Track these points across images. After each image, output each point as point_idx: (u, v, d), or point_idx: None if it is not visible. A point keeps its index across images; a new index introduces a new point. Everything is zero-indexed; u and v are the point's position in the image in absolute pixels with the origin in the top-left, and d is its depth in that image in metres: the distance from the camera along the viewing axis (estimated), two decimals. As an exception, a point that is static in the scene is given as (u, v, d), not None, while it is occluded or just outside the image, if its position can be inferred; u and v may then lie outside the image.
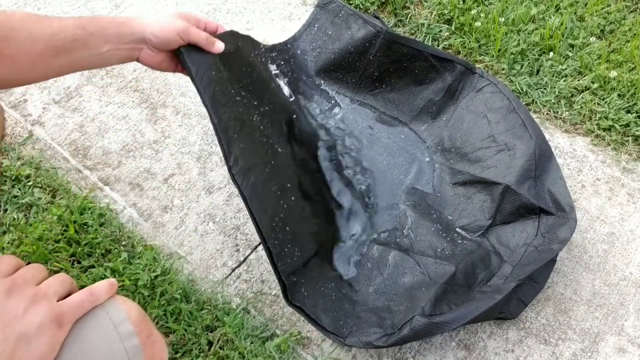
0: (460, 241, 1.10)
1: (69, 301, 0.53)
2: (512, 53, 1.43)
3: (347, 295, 1.03)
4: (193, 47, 0.88)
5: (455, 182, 1.18)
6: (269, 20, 1.57)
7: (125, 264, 1.11)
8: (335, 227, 1.13)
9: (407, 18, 1.55)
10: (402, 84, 1.27)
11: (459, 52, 1.48)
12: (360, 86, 1.29)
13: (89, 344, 0.52)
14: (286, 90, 1.24)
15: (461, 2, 1.55)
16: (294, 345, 1.04)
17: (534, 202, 1.07)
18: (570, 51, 1.44)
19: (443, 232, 1.12)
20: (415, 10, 1.57)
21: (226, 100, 0.93)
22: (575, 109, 1.35)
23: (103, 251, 1.13)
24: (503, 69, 1.42)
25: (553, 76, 1.40)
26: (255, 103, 1.03)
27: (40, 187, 1.23)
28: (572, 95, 1.37)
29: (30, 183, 1.23)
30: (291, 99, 1.23)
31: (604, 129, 1.31)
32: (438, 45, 1.50)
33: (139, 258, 1.13)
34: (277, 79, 1.22)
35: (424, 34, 1.51)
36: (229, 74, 0.96)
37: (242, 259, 1.15)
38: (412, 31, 1.53)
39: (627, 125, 1.30)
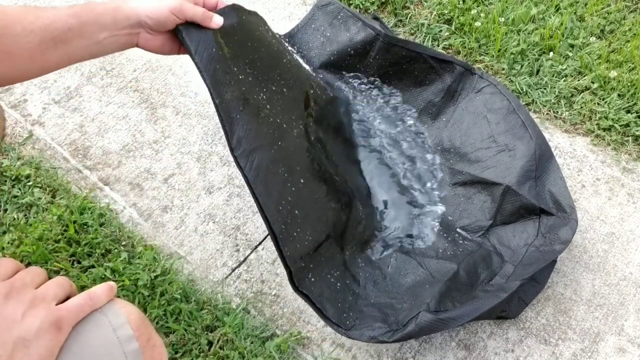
0: (461, 242, 1.11)
1: (68, 305, 0.53)
2: (512, 53, 1.43)
3: (350, 287, 1.02)
4: (192, 25, 0.84)
5: (455, 182, 1.18)
6: (269, 20, 1.56)
7: (125, 264, 1.11)
8: (350, 211, 1.09)
9: (407, 18, 1.55)
10: (402, 85, 1.27)
11: (459, 52, 1.48)
12: (358, 87, 1.29)
13: (88, 348, 0.52)
14: (307, 66, 1.19)
15: (461, 2, 1.54)
16: (294, 345, 1.04)
17: (535, 203, 1.07)
18: (570, 51, 1.43)
19: (444, 233, 1.12)
20: (415, 10, 1.57)
21: (228, 78, 0.89)
22: (575, 109, 1.34)
23: (103, 251, 1.13)
24: (503, 69, 1.42)
25: (553, 76, 1.40)
26: (263, 80, 0.98)
27: (40, 187, 1.23)
28: (572, 95, 1.37)
29: (30, 183, 1.23)
30: (313, 74, 1.18)
31: (604, 129, 1.31)
32: (438, 46, 1.49)
33: (139, 258, 1.13)
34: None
35: (424, 34, 1.51)
36: (231, 50, 0.91)
37: (242, 259, 1.15)
38: (412, 31, 1.53)
39: (627, 125, 1.30)
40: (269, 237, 1.17)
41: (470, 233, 1.12)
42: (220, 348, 1.02)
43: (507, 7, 1.52)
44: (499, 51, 1.45)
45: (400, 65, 1.25)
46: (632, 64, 1.38)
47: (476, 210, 1.13)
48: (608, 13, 1.51)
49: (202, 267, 1.14)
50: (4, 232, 1.16)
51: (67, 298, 0.55)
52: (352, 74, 1.28)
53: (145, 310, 1.05)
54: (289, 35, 1.29)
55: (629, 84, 1.34)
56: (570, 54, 1.43)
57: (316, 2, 1.32)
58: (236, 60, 0.91)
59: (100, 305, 0.55)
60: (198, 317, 1.05)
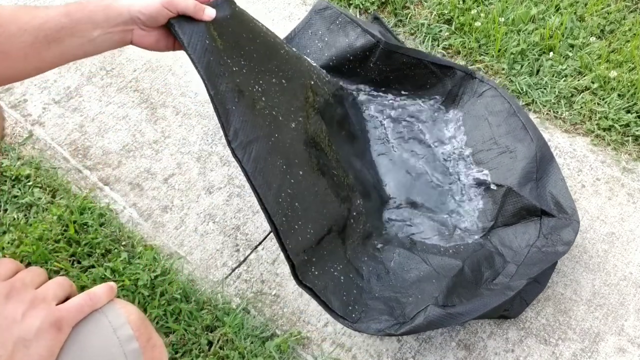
0: (462, 242, 1.11)
1: (68, 305, 0.53)
2: (512, 53, 1.43)
3: (354, 281, 1.01)
4: (184, 18, 0.84)
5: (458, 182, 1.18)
6: (269, 20, 1.56)
7: (125, 264, 1.11)
8: (351, 205, 1.09)
9: (407, 18, 1.55)
10: (402, 89, 1.27)
11: (459, 52, 1.48)
12: (362, 88, 1.29)
13: (88, 348, 0.52)
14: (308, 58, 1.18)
15: (461, 2, 1.54)
16: (294, 345, 1.04)
17: (536, 204, 1.07)
18: (570, 51, 1.43)
19: (446, 232, 1.13)
20: (415, 10, 1.57)
21: (222, 70, 0.88)
22: (575, 109, 1.34)
23: (103, 251, 1.13)
24: (503, 69, 1.42)
25: (553, 76, 1.40)
26: (260, 71, 0.97)
27: (40, 187, 1.23)
28: (572, 95, 1.37)
29: (30, 183, 1.23)
30: (313, 64, 1.17)
31: (604, 129, 1.31)
32: (438, 45, 1.49)
33: (139, 258, 1.13)
34: None
35: (424, 34, 1.51)
36: (225, 42, 0.90)
37: (242, 259, 1.15)
38: (412, 31, 1.53)
39: (627, 125, 1.30)
40: (269, 237, 1.18)
41: (472, 234, 1.12)
42: (220, 348, 1.02)
43: (507, 7, 1.52)
44: (499, 51, 1.45)
45: (401, 70, 1.25)
46: (632, 64, 1.38)
47: (478, 211, 1.14)
48: (608, 13, 1.51)
49: (202, 267, 1.14)
50: (4, 232, 1.16)
51: (67, 298, 0.55)
52: (352, 78, 1.28)
53: (145, 310, 1.05)
54: (287, 40, 1.29)
55: (629, 84, 1.34)
56: (570, 54, 1.43)
57: (313, 6, 1.32)
58: (230, 52, 0.91)
59: (100, 306, 0.55)
60: (198, 317, 1.05)
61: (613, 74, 1.35)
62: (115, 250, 1.14)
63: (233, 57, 0.92)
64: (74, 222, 1.16)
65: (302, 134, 1.03)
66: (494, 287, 0.99)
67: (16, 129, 1.35)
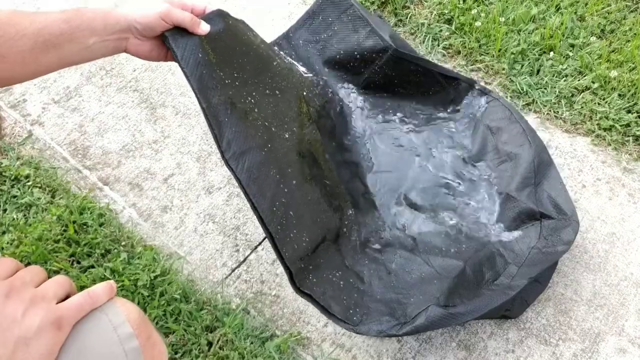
0: (464, 243, 1.11)
1: (68, 304, 0.53)
2: (512, 53, 1.43)
3: (355, 285, 1.02)
4: (178, 30, 0.85)
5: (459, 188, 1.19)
6: (269, 20, 1.56)
7: (125, 264, 1.11)
8: (343, 215, 1.10)
9: (407, 18, 1.55)
10: (405, 93, 1.27)
11: (459, 52, 1.48)
12: (364, 89, 1.28)
13: (88, 346, 0.52)
14: (300, 68, 1.19)
15: (461, 2, 1.54)
16: (294, 346, 1.04)
17: (534, 207, 1.08)
18: (570, 51, 1.43)
19: (447, 235, 1.13)
20: (415, 9, 1.57)
21: (215, 83, 0.90)
22: (575, 109, 1.34)
23: (102, 251, 1.13)
24: (503, 69, 1.42)
25: (553, 76, 1.40)
26: (253, 84, 0.99)
27: (40, 187, 1.23)
28: (572, 95, 1.37)
29: (29, 183, 1.23)
30: (305, 75, 1.18)
31: (605, 129, 1.31)
32: (438, 45, 1.49)
33: (138, 258, 1.12)
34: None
35: (424, 34, 1.51)
36: (218, 55, 0.92)
37: (242, 259, 1.15)
38: (412, 31, 1.53)
39: (628, 125, 1.30)
40: (268, 237, 1.17)
41: (474, 235, 1.12)
42: (220, 348, 1.02)
43: (507, 6, 1.52)
44: (499, 51, 1.44)
45: (407, 76, 1.24)
46: (633, 63, 1.38)
47: (479, 213, 1.14)
48: (608, 13, 1.51)
49: (201, 267, 1.14)
50: (4, 232, 1.15)
51: (67, 297, 0.55)
52: (355, 76, 1.28)
53: (145, 311, 1.05)
54: (297, 25, 1.28)
55: (629, 83, 1.34)
56: (571, 54, 1.43)
57: None
58: (222, 65, 0.93)
59: (100, 304, 0.55)
60: (198, 318, 1.05)
61: (613, 73, 1.35)
62: (115, 250, 1.14)
63: (225, 70, 0.93)
64: (74, 222, 1.16)
65: (296, 144, 1.04)
66: (495, 288, 0.99)
67: (15, 128, 1.35)
